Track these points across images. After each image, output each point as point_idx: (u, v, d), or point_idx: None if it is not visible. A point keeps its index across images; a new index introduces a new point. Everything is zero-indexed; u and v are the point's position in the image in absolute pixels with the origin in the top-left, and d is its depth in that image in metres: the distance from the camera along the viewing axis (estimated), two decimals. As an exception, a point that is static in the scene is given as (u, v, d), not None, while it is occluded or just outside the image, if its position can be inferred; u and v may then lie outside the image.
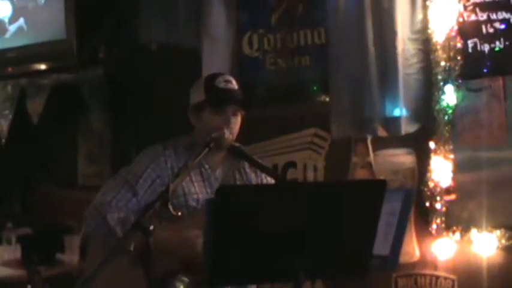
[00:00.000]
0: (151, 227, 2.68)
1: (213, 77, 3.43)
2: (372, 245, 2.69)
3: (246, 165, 3.48)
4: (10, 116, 5.95)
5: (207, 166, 3.40)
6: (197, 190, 3.34)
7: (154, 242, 2.72)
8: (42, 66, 5.87)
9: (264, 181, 3.48)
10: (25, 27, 5.91)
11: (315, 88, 4.98)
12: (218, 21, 5.15)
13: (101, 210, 3.28)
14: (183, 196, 3.31)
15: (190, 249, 3.09)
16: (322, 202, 2.60)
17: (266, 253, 2.59)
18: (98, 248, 3.21)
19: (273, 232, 2.57)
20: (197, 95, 3.41)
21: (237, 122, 3.37)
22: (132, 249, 2.93)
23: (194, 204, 3.31)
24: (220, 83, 3.37)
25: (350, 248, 2.67)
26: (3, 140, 5.96)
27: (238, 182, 3.43)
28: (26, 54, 5.89)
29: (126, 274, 3.09)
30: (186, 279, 3.09)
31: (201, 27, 5.16)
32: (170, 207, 2.78)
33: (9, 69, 6.05)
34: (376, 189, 2.66)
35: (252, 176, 3.48)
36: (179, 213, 2.89)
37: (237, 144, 3.45)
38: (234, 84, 3.41)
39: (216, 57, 5.07)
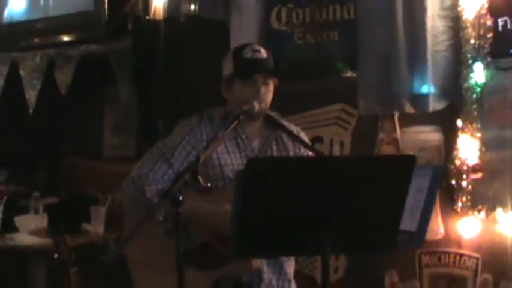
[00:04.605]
0: (181, 197, 2.70)
1: (241, 48, 3.39)
2: (399, 221, 2.68)
3: (284, 134, 3.44)
4: (38, 86, 5.97)
5: (244, 137, 3.38)
6: (233, 161, 3.34)
7: (188, 211, 2.73)
8: (71, 37, 5.88)
9: (302, 150, 3.45)
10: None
11: (342, 63, 4.96)
12: (247, -6, 5.15)
13: (138, 183, 3.31)
14: (219, 167, 3.31)
15: (223, 222, 3.09)
16: (350, 176, 2.60)
17: (293, 226, 2.59)
18: (133, 218, 3.23)
19: (301, 205, 2.57)
20: (227, 68, 3.39)
21: (268, 91, 3.33)
22: (162, 218, 2.98)
23: (231, 174, 3.30)
24: (247, 53, 3.34)
25: (377, 223, 2.67)
26: (31, 110, 5.99)
27: (275, 152, 3.41)
28: (54, 24, 5.90)
29: (159, 244, 3.13)
30: None
31: (230, 0, 5.16)
32: (200, 178, 2.80)
33: (36, 39, 6.07)
34: (405, 164, 2.64)
35: (290, 145, 3.44)
36: (209, 184, 2.90)
37: (273, 113, 3.43)
38: (263, 53, 3.35)
39: (244, 30, 5.07)
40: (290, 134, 3.44)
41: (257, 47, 3.39)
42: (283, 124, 3.45)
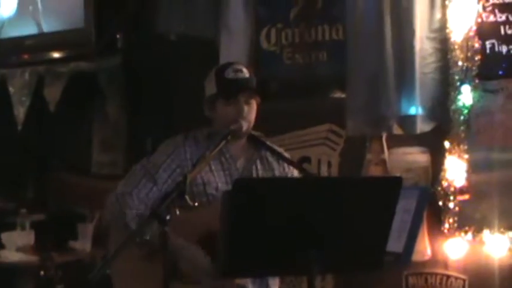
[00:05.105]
0: (168, 217, 2.71)
1: (223, 68, 3.42)
2: (385, 242, 2.70)
3: (268, 153, 3.46)
4: (27, 103, 5.98)
5: (228, 155, 3.39)
6: (216, 179, 3.35)
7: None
8: (61, 54, 5.89)
9: (286, 170, 3.47)
10: (44, 15, 5.94)
11: (331, 84, 4.98)
12: (236, 14, 5.15)
13: (121, 201, 3.31)
14: (202, 185, 3.32)
15: (192, 267, 3.15)
16: (338, 197, 2.62)
17: (280, 246, 2.61)
18: (119, 235, 3.24)
19: (287, 226, 2.58)
20: (210, 88, 3.41)
21: (251, 110, 3.35)
22: (148, 238, 2.98)
23: (213, 192, 3.31)
24: (229, 73, 3.36)
25: (364, 243, 2.69)
26: (20, 126, 5.99)
27: (260, 171, 3.43)
28: (44, 41, 5.92)
29: (144, 264, 3.13)
30: None
31: (220, 19, 5.17)
32: (187, 197, 2.80)
33: (25, 56, 6.08)
34: (392, 186, 2.67)
35: (275, 164, 3.47)
36: (196, 204, 2.92)
37: (256, 133, 3.45)
38: (245, 73, 3.38)
39: (233, 50, 5.08)
40: (275, 152, 3.46)
41: (239, 66, 3.41)
42: (267, 143, 3.47)
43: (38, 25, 5.95)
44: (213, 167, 3.36)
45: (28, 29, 6.01)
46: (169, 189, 2.97)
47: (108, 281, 3.23)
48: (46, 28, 5.93)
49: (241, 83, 3.36)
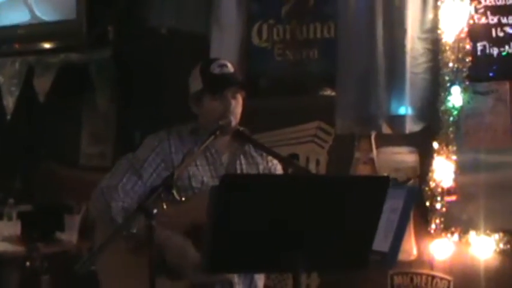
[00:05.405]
0: (155, 211, 2.71)
1: (208, 64, 3.43)
2: (372, 241, 2.70)
3: (252, 148, 3.47)
4: (17, 93, 5.96)
5: (213, 150, 3.40)
6: (202, 173, 3.36)
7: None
8: (51, 45, 5.87)
9: (270, 164, 3.49)
10: (36, 5, 5.91)
11: (321, 82, 4.98)
12: (228, 9, 5.14)
13: (107, 195, 3.31)
14: (187, 179, 3.32)
15: (180, 258, 3.15)
16: (325, 195, 2.61)
17: (266, 243, 2.60)
18: (105, 228, 3.24)
19: (274, 222, 2.57)
20: (195, 84, 3.42)
21: (238, 104, 3.37)
22: (135, 231, 2.99)
23: (198, 185, 3.32)
24: (214, 69, 3.37)
25: (350, 242, 2.68)
26: (9, 116, 5.97)
27: (244, 166, 3.44)
28: (35, 32, 5.90)
29: (130, 258, 3.13)
30: None
31: (211, 14, 5.16)
32: (174, 192, 2.81)
33: (16, 45, 6.05)
34: (379, 185, 2.67)
35: (259, 159, 3.48)
36: (183, 198, 2.92)
37: (241, 128, 3.45)
38: (230, 68, 3.41)
39: (224, 45, 5.07)
40: (261, 146, 3.47)
41: (223, 61, 3.44)
42: (252, 137, 3.47)
43: (31, 12, 5.92)
44: (198, 162, 3.37)
45: (19, 17, 5.98)
46: (155, 184, 2.98)
47: (94, 275, 3.23)
48: (38, 18, 5.90)
49: (227, 77, 3.38)
